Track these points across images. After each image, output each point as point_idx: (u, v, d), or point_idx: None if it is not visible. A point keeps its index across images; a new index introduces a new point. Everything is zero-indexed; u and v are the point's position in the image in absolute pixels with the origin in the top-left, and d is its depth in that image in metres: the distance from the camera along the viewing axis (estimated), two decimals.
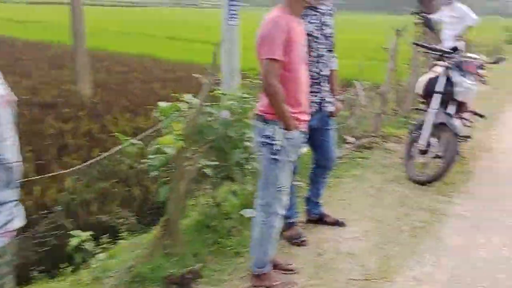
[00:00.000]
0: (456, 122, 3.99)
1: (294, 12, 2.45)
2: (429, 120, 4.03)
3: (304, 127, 2.56)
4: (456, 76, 3.97)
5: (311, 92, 2.86)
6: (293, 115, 2.45)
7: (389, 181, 4.24)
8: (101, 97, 8.51)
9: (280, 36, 2.31)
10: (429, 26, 4.19)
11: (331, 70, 3.06)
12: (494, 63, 4.42)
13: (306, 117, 2.59)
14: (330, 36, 2.94)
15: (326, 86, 2.97)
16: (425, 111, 4.25)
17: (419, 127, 4.16)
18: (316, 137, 3.04)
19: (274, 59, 2.31)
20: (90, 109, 7.58)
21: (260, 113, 2.49)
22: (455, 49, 7.02)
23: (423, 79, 4.32)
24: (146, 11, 46.62)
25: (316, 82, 2.88)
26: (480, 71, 4.25)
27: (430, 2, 10.94)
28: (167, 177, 2.92)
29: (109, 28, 22.27)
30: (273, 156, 2.44)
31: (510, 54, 16.33)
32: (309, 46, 2.76)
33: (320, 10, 2.88)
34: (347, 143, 5.24)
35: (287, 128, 2.42)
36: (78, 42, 8.55)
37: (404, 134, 5.32)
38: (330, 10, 2.95)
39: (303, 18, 2.71)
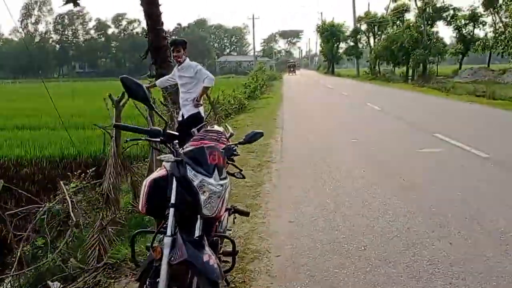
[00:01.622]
0: (210, 257, 2.25)
1: None
2: (165, 258, 2.26)
3: None
4: (195, 177, 2.33)
5: None
6: None
7: None
8: None
9: None
10: (137, 96, 2.33)
11: None
12: (248, 142, 2.98)
13: None
14: None
15: None
16: (159, 234, 2.47)
17: (153, 269, 2.34)
18: None
19: None
20: None
21: None
22: (196, 119, 5.84)
23: (146, 184, 2.53)
24: None
25: None
26: (230, 157, 2.73)
27: (166, 62, 9.90)
28: None
29: None
30: None
31: (253, 109, 17.20)
32: None
33: None
34: None
35: None
36: None
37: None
38: None
39: None
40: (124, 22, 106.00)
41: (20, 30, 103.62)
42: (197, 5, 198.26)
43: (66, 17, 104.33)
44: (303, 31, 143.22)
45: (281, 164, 7.32)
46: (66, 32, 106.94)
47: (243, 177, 2.89)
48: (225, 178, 2.43)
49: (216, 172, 2.37)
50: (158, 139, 2.40)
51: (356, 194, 5.50)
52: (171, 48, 5.62)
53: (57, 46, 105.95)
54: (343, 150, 8.46)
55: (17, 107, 21.46)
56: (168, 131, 2.42)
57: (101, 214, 3.61)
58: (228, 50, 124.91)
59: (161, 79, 6.35)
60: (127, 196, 5.32)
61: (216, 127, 3.44)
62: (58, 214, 3.58)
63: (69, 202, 3.50)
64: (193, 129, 3.42)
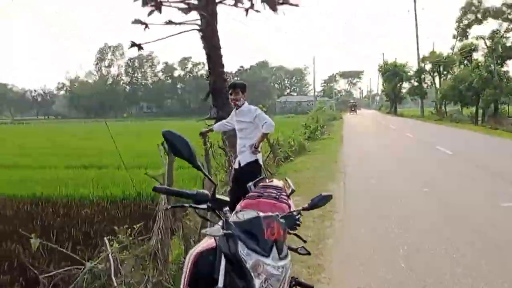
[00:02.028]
0: None
1: None
2: None
3: None
4: (248, 257, 1.88)
5: None
6: None
7: None
8: None
9: None
10: (181, 154, 1.97)
11: None
12: (314, 207, 2.40)
13: None
14: None
15: None
16: None
17: None
18: None
19: None
20: None
21: None
22: (253, 167, 5.45)
23: (189, 259, 2.11)
24: None
25: None
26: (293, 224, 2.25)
27: (226, 105, 9.75)
28: None
29: None
30: None
31: (313, 151, 16.68)
32: None
33: None
34: None
35: None
36: None
37: None
38: None
39: None
40: (189, 65, 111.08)
41: (94, 73, 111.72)
42: (260, 48, 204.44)
43: (137, 60, 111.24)
44: (363, 71, 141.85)
45: (344, 215, 6.72)
46: (136, 75, 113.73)
47: (308, 253, 2.41)
48: (285, 257, 1.97)
49: (274, 249, 1.92)
50: (205, 206, 2.01)
51: (435, 256, 4.78)
52: (229, 91, 5.33)
53: (127, 87, 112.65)
54: (414, 200, 7.70)
55: (86, 146, 22.45)
56: (217, 196, 2.03)
57: (146, 276, 3.25)
58: (288, 91, 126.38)
59: (218, 123, 6.10)
60: (180, 248, 4.96)
61: (275, 182, 3.01)
62: (100, 276, 3.27)
63: (112, 263, 3.18)
64: (249, 184, 3.02)
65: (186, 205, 2.09)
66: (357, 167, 11.96)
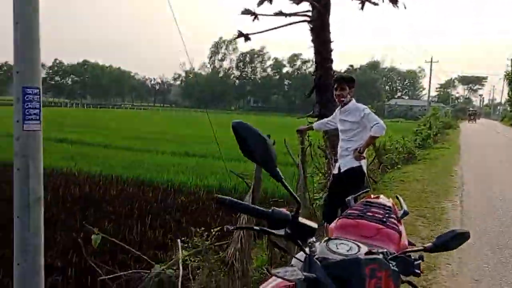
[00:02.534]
0: None
1: None
2: None
3: None
4: None
5: None
6: None
7: None
8: None
9: None
10: (252, 154, 1.41)
11: None
12: (442, 249, 1.73)
13: None
14: None
15: None
16: None
17: None
18: None
19: None
20: None
21: None
22: (355, 174, 4.73)
23: None
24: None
25: None
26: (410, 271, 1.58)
27: (330, 102, 9.07)
28: None
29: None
30: None
31: (423, 159, 15.20)
32: None
33: None
34: None
35: None
36: None
37: None
38: None
39: None
40: (298, 62, 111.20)
41: (208, 65, 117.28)
42: (372, 48, 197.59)
43: (248, 55, 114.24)
44: (487, 77, 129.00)
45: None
46: (246, 69, 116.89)
47: None
48: None
49: None
50: (282, 232, 1.43)
51: None
52: (335, 86, 4.65)
53: (237, 81, 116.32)
54: None
55: (192, 134, 23.30)
56: (300, 219, 1.44)
57: None
58: (399, 94, 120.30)
59: (320, 121, 5.50)
60: (263, 253, 4.47)
61: (382, 199, 2.31)
62: (170, 281, 2.88)
63: (180, 270, 2.78)
64: (349, 198, 2.39)
65: (256, 228, 1.53)
66: (477, 184, 10.46)
